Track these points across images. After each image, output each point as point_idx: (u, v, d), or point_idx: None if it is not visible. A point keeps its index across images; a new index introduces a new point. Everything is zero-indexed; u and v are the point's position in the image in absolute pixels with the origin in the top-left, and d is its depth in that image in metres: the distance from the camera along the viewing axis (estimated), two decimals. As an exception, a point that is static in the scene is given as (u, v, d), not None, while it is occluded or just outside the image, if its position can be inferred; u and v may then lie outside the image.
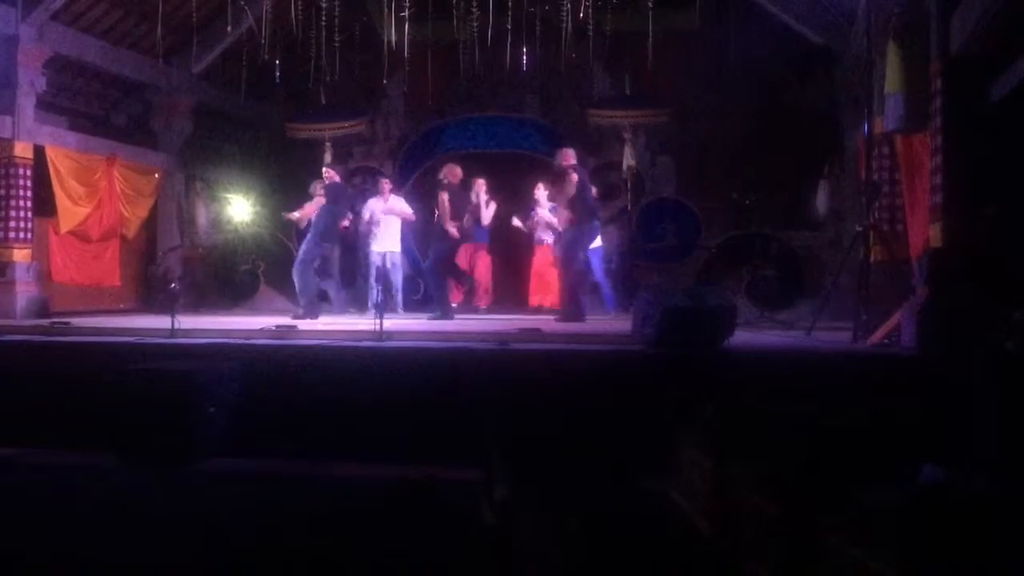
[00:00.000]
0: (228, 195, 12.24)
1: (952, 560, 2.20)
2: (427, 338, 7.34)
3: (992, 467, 4.13)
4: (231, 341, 7.09)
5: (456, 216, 9.59)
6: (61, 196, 10.71)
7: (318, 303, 9.62)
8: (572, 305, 8.97)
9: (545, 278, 10.60)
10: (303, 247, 9.66)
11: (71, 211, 10.88)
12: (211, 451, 5.83)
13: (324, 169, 10.18)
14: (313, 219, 9.90)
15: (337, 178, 10.01)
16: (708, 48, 11.40)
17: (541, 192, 10.48)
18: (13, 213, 9.98)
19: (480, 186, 10.69)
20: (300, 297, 9.48)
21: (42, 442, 6.18)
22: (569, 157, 9.08)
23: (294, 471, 5.60)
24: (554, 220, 10.14)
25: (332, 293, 10.24)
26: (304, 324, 8.17)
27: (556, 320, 8.90)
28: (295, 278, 9.49)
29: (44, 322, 8.66)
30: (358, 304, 10.90)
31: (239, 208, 12.08)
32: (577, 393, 5.80)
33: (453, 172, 9.87)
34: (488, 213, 10.69)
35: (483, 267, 11.02)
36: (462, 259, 10.93)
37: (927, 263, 6.24)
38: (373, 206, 10.74)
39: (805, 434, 3.62)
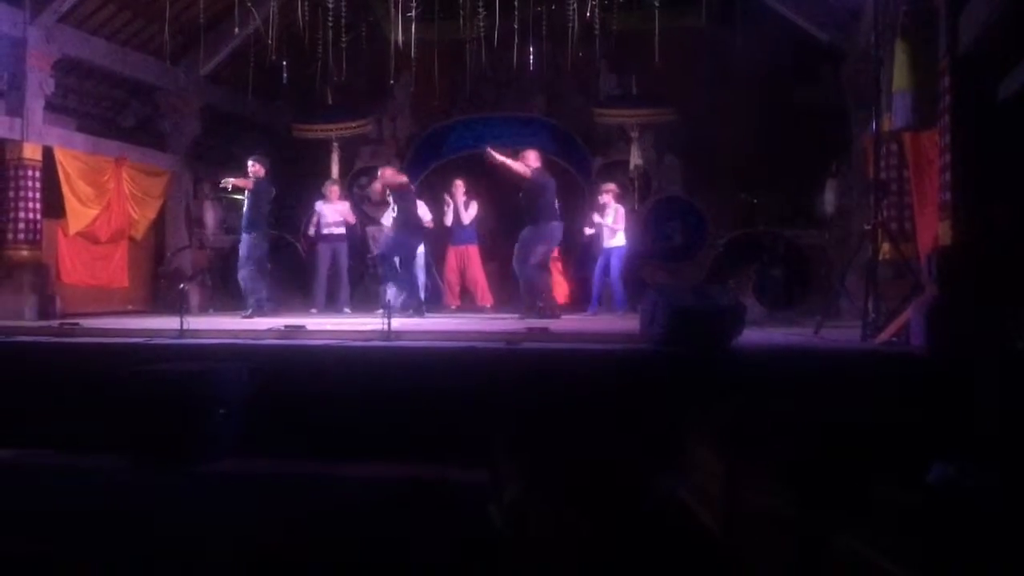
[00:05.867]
0: (236, 196, 12.24)
1: (963, 559, 2.20)
2: (435, 338, 7.35)
3: (1002, 465, 4.12)
4: (240, 341, 7.11)
5: (409, 216, 9.76)
6: (70, 198, 10.74)
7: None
8: (531, 300, 9.26)
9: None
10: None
11: (80, 212, 10.91)
12: (221, 452, 5.84)
13: (250, 162, 9.95)
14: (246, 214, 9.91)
15: (262, 172, 9.95)
16: (714, 47, 11.39)
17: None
18: (22, 215, 10.02)
19: (458, 187, 10.74)
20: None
21: (52, 444, 6.20)
22: (532, 159, 9.47)
23: (304, 471, 5.61)
24: None
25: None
26: (313, 324, 8.18)
27: (518, 317, 9.06)
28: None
29: (53, 323, 8.68)
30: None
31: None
32: (585, 393, 5.81)
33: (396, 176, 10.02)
34: (469, 213, 10.75)
35: (475, 267, 11.03)
36: (452, 261, 10.97)
37: (936, 261, 6.22)
38: None
39: (814, 434, 3.61)
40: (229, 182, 10.00)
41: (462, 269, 11.02)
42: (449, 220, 10.90)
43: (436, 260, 11.42)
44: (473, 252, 11.04)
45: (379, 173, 10.14)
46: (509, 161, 9.31)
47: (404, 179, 10.00)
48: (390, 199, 9.84)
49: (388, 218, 10.50)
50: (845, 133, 10.37)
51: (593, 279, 10.59)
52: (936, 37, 6.40)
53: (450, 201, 10.82)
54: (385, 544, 4.07)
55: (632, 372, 6.10)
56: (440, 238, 11.25)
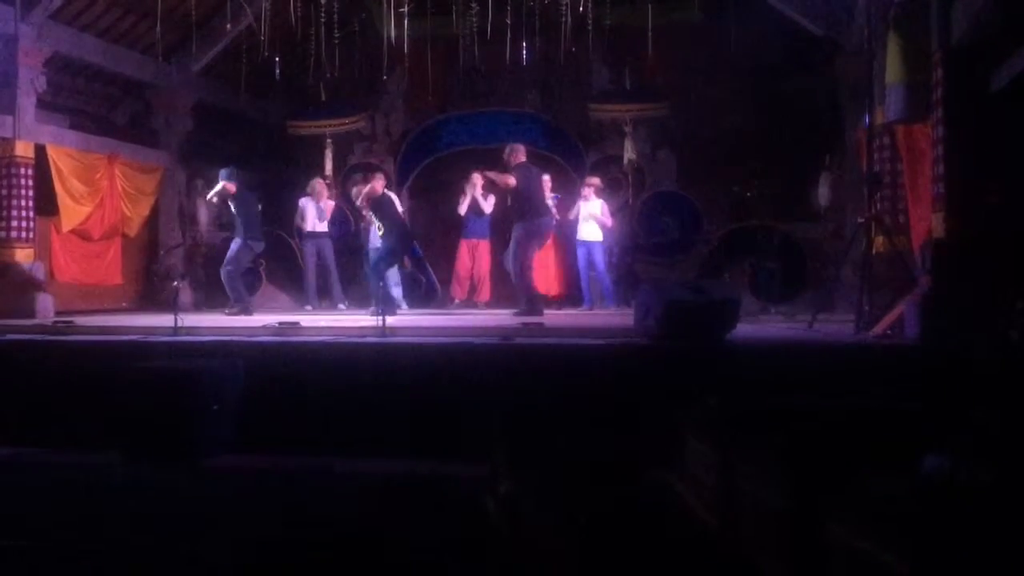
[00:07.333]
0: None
1: (958, 551, 2.20)
2: (430, 333, 7.35)
3: (996, 456, 4.13)
4: (234, 338, 7.09)
5: (395, 221, 9.70)
6: (63, 195, 10.70)
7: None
8: (528, 299, 9.11)
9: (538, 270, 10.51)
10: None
11: (73, 210, 10.87)
12: (215, 448, 5.84)
13: (221, 181, 9.94)
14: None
15: (233, 189, 9.91)
16: (708, 40, 11.37)
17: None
18: (15, 213, 9.97)
19: (476, 180, 10.72)
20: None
21: (46, 441, 6.19)
22: (519, 155, 9.37)
23: (298, 467, 5.61)
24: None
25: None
26: (307, 320, 8.18)
27: (514, 315, 8.90)
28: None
29: (47, 321, 8.67)
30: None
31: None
32: (580, 387, 5.81)
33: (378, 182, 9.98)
34: (488, 204, 10.74)
35: (484, 262, 11.02)
36: (464, 255, 10.95)
37: (929, 253, 6.23)
38: None
39: (808, 426, 3.62)
40: (213, 197, 10.08)
41: (472, 263, 10.99)
42: (463, 210, 10.86)
43: (447, 253, 11.36)
44: (484, 247, 10.99)
45: (354, 191, 10.18)
46: (493, 175, 9.34)
47: (376, 187, 9.82)
48: (368, 214, 9.81)
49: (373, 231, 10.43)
50: (838, 126, 10.37)
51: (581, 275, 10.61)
52: (928, 30, 6.41)
53: (467, 192, 10.79)
54: (381, 539, 4.07)
55: (627, 366, 6.11)
56: (452, 231, 11.23)
